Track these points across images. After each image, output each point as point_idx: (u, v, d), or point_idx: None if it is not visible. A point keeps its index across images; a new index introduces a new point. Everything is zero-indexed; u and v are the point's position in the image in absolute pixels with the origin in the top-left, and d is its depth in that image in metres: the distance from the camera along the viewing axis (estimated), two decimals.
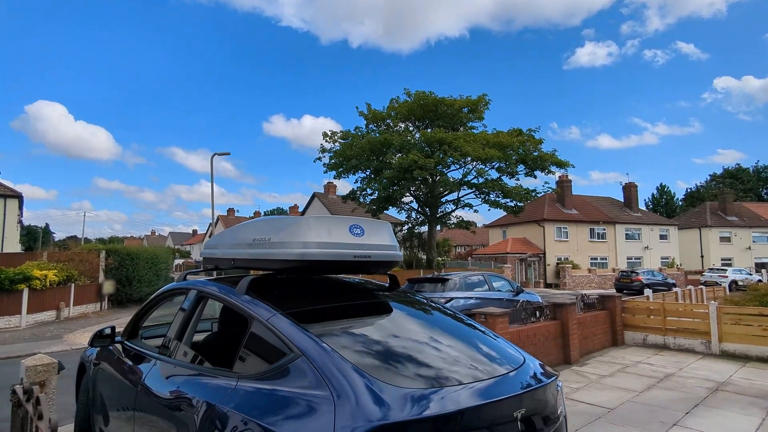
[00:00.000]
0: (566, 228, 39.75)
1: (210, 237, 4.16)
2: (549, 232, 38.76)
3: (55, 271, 16.57)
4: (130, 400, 3.19)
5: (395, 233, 32.90)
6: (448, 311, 3.22)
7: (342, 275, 3.72)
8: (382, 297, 3.19)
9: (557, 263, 37.65)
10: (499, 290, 12.08)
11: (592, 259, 40.40)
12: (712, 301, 10.06)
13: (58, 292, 16.51)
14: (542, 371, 2.46)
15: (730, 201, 48.85)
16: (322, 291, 3.19)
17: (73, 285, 17.22)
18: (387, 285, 3.56)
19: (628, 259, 42.18)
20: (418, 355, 2.37)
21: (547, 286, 36.39)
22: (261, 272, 3.25)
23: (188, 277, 3.68)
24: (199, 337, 3.47)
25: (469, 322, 3.10)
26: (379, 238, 3.07)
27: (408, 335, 2.64)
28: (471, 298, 10.98)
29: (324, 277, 3.57)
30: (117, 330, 3.94)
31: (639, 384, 7.00)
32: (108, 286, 19.27)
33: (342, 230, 2.90)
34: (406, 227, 32.59)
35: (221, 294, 2.95)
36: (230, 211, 72.96)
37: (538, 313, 8.23)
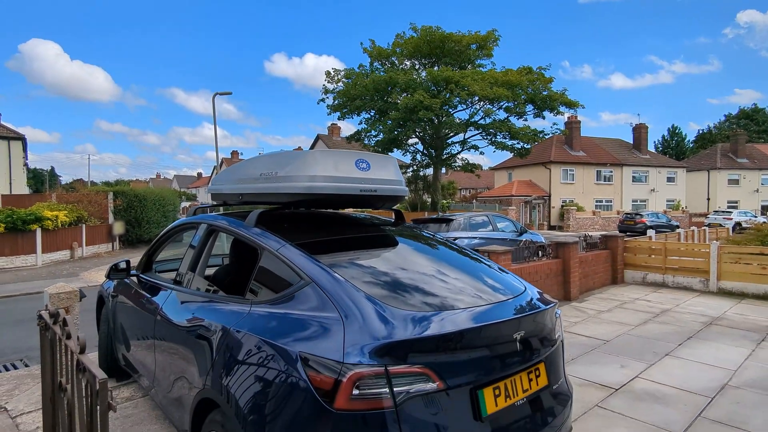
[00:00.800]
0: (572, 170, 39.42)
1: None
2: (555, 175, 38.50)
3: (66, 212, 16.85)
4: (149, 327, 3.37)
5: None
6: (453, 245, 3.30)
7: (348, 210, 3.77)
8: (387, 231, 3.26)
9: (562, 205, 37.71)
10: (503, 231, 12.23)
11: (597, 201, 40.38)
12: (714, 241, 10.18)
13: (70, 232, 16.88)
14: (541, 298, 2.56)
15: (742, 142, 47.87)
16: (329, 225, 3.26)
17: (84, 226, 17.57)
18: (392, 220, 3.63)
19: (633, 201, 42.12)
20: (422, 283, 2.46)
21: (551, 228, 36.68)
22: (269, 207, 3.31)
23: (197, 212, 3.75)
24: (210, 271, 3.59)
25: (473, 255, 3.18)
26: (385, 173, 3.08)
27: (412, 265, 2.73)
28: (475, 238, 11.15)
29: (331, 212, 3.63)
30: (132, 264, 4.09)
31: (635, 319, 7.25)
32: (118, 227, 19.65)
33: (348, 164, 2.92)
34: (410, 170, 32.45)
35: (231, 227, 3.02)
36: (234, 153, 72.61)
37: (540, 251, 8.38)
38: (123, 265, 4.00)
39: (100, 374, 1.72)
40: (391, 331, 1.89)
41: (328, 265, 2.33)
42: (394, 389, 1.81)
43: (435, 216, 13.54)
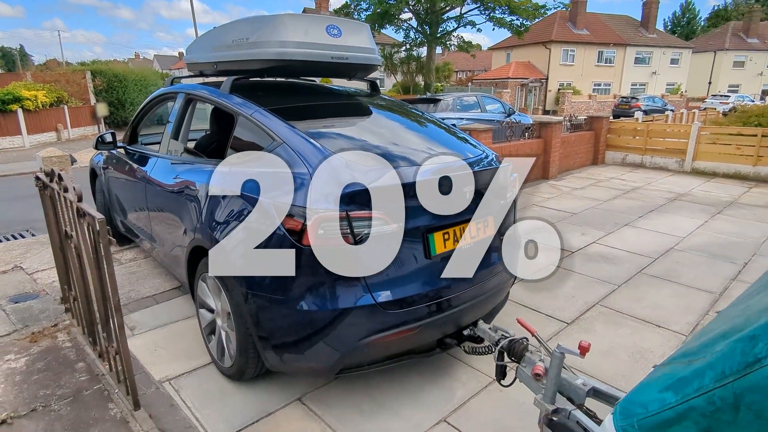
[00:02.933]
0: (573, 51, 37.61)
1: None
2: (555, 55, 36.82)
3: (44, 92, 16.33)
4: (141, 193, 3.63)
5: (392, 55, 31.27)
6: (425, 115, 3.44)
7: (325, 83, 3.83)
8: (359, 100, 3.38)
9: (559, 89, 36.70)
10: (491, 112, 12.19)
11: (595, 84, 39.23)
12: (696, 122, 10.29)
13: (53, 113, 16.54)
14: (497, 160, 2.80)
15: (756, 20, 45.12)
16: (302, 93, 3.36)
17: (66, 107, 17.15)
18: (368, 91, 3.72)
19: (632, 85, 40.96)
20: (386, 144, 2.67)
21: (545, 112, 36.13)
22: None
23: (174, 82, 3.79)
24: (191, 143, 3.75)
25: (443, 124, 3.34)
26: (357, 40, 3.10)
27: (379, 130, 2.91)
28: (463, 119, 11.15)
29: (305, 82, 3.69)
30: (117, 139, 4.23)
31: (606, 195, 7.68)
32: (101, 109, 19.19)
33: (319, 30, 2.93)
34: (403, 49, 30.83)
35: (208, 95, 3.12)
36: None
37: (523, 131, 8.51)
38: (109, 138, 4.14)
39: (99, 215, 1.99)
40: (352, 183, 2.14)
41: (299, 128, 2.50)
42: (355, 230, 2.12)
43: (422, 96, 13.32)
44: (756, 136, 8.64)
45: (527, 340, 2.16)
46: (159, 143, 3.62)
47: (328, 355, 2.24)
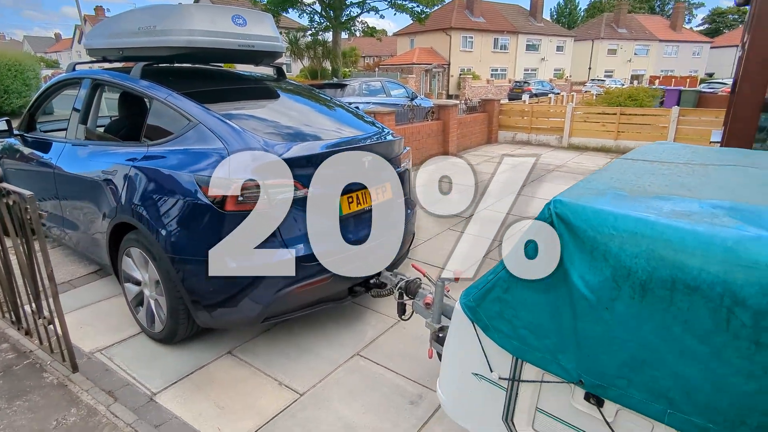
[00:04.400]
0: (472, 38, 39.78)
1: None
2: (455, 42, 38.68)
3: None
4: (49, 179, 3.63)
5: (297, 39, 30.82)
6: (329, 98, 3.83)
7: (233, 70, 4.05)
8: (267, 84, 3.68)
9: (460, 74, 38.70)
10: (396, 97, 12.82)
11: (492, 70, 41.90)
12: (570, 103, 11.78)
13: None
14: (391, 134, 3.29)
15: (624, 12, 50.87)
16: (212, 78, 3.58)
17: None
18: (274, 76, 4.01)
19: (525, 70, 44.34)
20: (293, 122, 3.04)
21: (449, 97, 37.97)
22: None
23: (77, 67, 3.79)
24: (100, 128, 3.79)
25: (345, 106, 3.75)
26: (261, 29, 3.39)
27: (287, 110, 3.27)
28: (369, 103, 11.64)
29: (213, 68, 3.90)
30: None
31: (497, 169, 8.64)
32: None
33: (225, 20, 3.18)
34: (308, 33, 30.56)
35: (117, 80, 3.23)
36: (99, 9, 61.34)
37: (425, 114, 9.20)
38: (3, 126, 4.01)
39: (27, 192, 2.14)
40: (265, 155, 2.49)
41: (213, 110, 2.78)
42: (270, 195, 2.48)
43: (329, 81, 13.60)
44: (616, 114, 10.16)
45: (420, 280, 2.68)
46: (64, 129, 3.63)
47: (254, 306, 2.59)
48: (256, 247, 2.52)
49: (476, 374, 1.66)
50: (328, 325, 3.24)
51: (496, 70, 42.21)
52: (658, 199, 1.34)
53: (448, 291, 2.43)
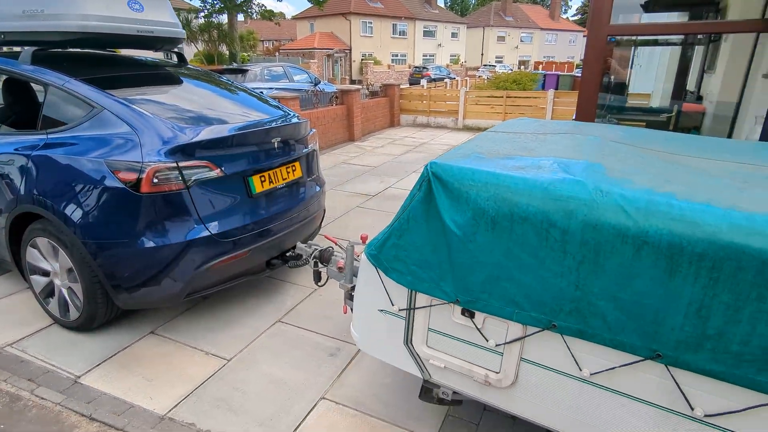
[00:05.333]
0: (371, 23, 40.29)
1: None
2: (355, 27, 38.92)
3: None
4: None
5: (189, 22, 28.96)
6: (233, 83, 3.95)
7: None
8: (169, 70, 3.70)
9: (362, 59, 39.11)
10: (299, 82, 12.83)
11: (393, 55, 42.88)
12: (463, 88, 12.73)
13: None
14: (296, 117, 3.53)
15: (510, 1, 54.65)
16: (111, 64, 3.53)
17: None
18: (175, 62, 4.02)
19: (424, 56, 45.97)
20: (201, 106, 3.16)
21: (352, 82, 38.25)
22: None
23: None
24: None
25: (250, 90, 3.90)
26: (159, 14, 3.42)
27: (192, 96, 3.36)
28: (272, 88, 11.55)
29: (112, 54, 3.82)
30: None
31: (400, 150, 9.18)
32: None
33: (120, 5, 3.17)
34: (201, 14, 28.86)
35: (5, 66, 3.08)
36: None
37: (330, 99, 9.43)
38: None
39: None
40: (176, 138, 2.62)
41: (117, 95, 2.81)
42: (185, 177, 2.62)
43: (229, 66, 13.22)
44: (502, 97, 11.21)
45: (332, 248, 2.99)
46: None
47: (176, 283, 2.73)
48: (174, 226, 2.65)
49: (381, 310, 2.03)
50: (249, 298, 3.45)
51: (397, 55, 43.26)
52: (506, 159, 1.79)
53: (358, 256, 2.78)
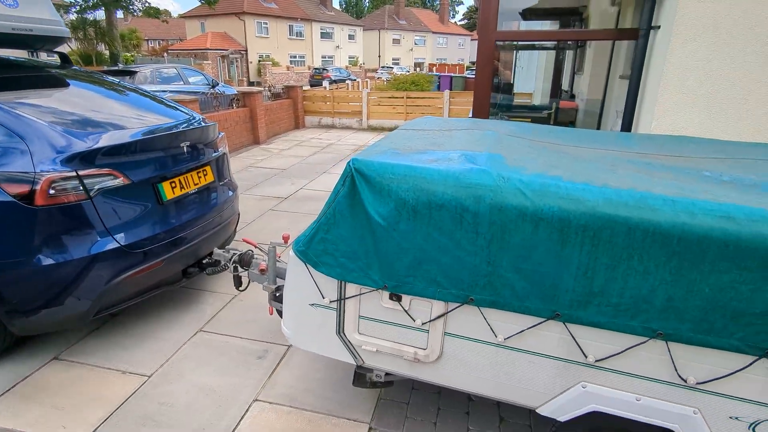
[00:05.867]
0: (267, 23, 39.33)
1: None
2: (250, 27, 37.71)
3: None
4: None
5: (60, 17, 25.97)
6: (130, 86, 3.71)
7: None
8: (54, 72, 3.39)
9: (259, 60, 38.01)
10: (195, 84, 12.19)
11: (291, 57, 42.25)
12: (365, 89, 13.03)
13: None
14: (204, 120, 3.43)
15: (402, 5, 56.62)
16: None
17: None
18: (58, 63, 3.68)
19: (322, 57, 45.91)
20: (97, 112, 2.95)
21: (251, 84, 37.04)
22: None
23: None
24: None
25: (151, 94, 3.70)
26: (37, 11, 3.12)
27: (86, 101, 3.12)
28: (166, 91, 10.85)
29: None
30: None
31: (309, 152, 9.17)
32: None
33: None
34: (73, 9, 26.00)
35: None
36: None
37: (230, 101, 9.11)
38: None
39: None
40: (72, 145, 2.44)
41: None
42: (86, 186, 2.45)
43: (115, 68, 12.19)
44: (403, 98, 11.67)
45: (252, 251, 2.98)
46: None
47: (83, 301, 2.54)
48: (76, 240, 2.47)
49: (312, 304, 2.10)
50: (165, 310, 3.29)
51: (295, 57, 42.70)
52: (420, 153, 1.96)
53: (280, 257, 2.81)
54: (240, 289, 2.97)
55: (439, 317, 1.89)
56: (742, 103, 2.85)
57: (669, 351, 1.64)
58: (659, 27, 3.03)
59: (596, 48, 5.30)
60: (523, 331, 1.80)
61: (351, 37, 49.50)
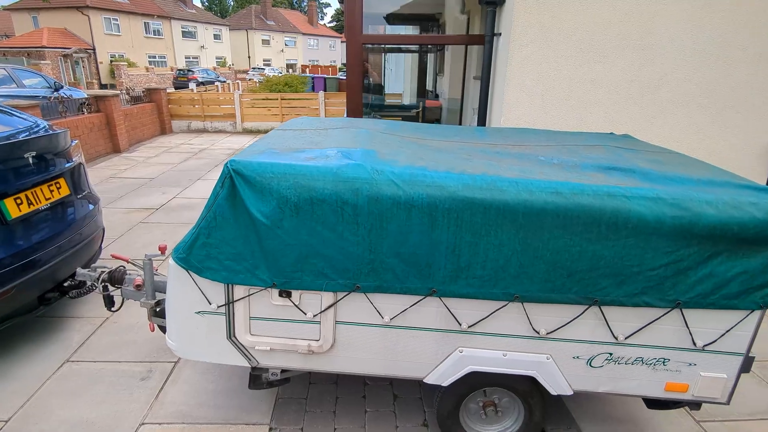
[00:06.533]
0: (117, 20, 35.49)
1: None
2: (96, 23, 33.68)
3: None
4: None
5: None
6: None
7: None
8: None
9: (111, 61, 34.17)
10: (33, 87, 10.59)
11: (150, 57, 38.73)
12: (236, 91, 12.55)
13: None
14: (50, 128, 3.07)
15: (269, 5, 55.29)
16: None
17: None
18: None
19: (186, 58, 42.84)
20: None
21: (103, 86, 33.12)
22: None
23: None
24: None
25: None
26: None
27: None
28: None
29: None
30: None
31: (179, 159, 8.58)
32: None
33: None
34: None
35: None
36: None
37: (79, 106, 8.12)
38: None
39: None
40: None
41: None
42: None
43: None
44: (278, 99, 11.49)
45: (123, 267, 2.75)
46: None
47: None
48: None
49: (199, 312, 2.04)
50: (22, 344, 2.89)
51: (155, 57, 39.21)
52: (298, 152, 2.03)
53: (157, 270, 2.65)
54: (113, 309, 2.73)
55: (329, 308, 1.98)
56: (566, 100, 3.41)
57: (525, 310, 1.93)
58: (500, 34, 3.48)
59: (453, 51, 5.83)
60: (406, 309, 1.97)
61: (217, 36, 46.98)
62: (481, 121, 3.75)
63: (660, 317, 1.89)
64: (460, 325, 1.98)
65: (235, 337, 2.07)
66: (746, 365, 1.96)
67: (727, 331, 1.89)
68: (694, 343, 1.92)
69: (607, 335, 1.95)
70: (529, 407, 2.17)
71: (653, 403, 2.23)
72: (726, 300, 1.83)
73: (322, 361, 2.11)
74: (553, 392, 2.04)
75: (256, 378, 2.24)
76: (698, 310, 1.87)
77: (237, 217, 1.86)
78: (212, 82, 29.42)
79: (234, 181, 1.83)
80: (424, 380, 2.09)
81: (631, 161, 2.17)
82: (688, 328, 1.90)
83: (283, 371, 2.22)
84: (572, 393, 2.04)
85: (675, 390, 2.02)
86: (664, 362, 1.97)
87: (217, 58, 46.44)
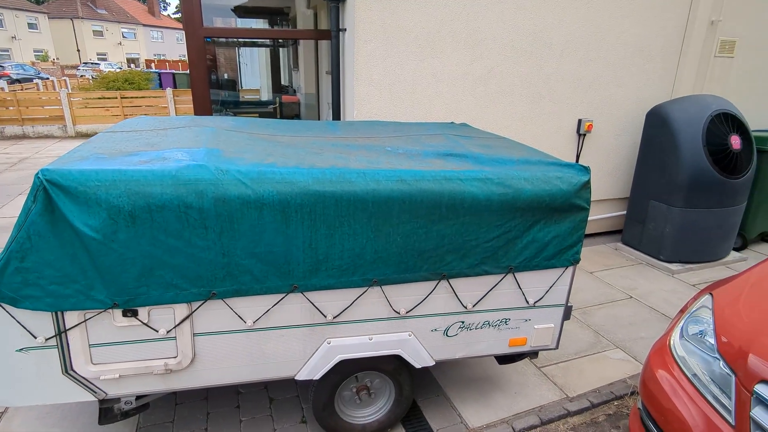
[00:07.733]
0: None
1: None
2: None
3: None
4: None
5: None
6: None
7: None
8: None
9: None
10: None
11: None
12: (63, 89, 10.90)
13: None
14: None
15: None
16: None
17: None
18: None
19: None
20: None
21: None
22: None
23: None
24: None
25: None
26: None
27: None
28: None
29: None
30: None
31: None
32: None
33: None
34: None
35: None
36: None
37: None
38: None
39: None
40: None
41: None
42: None
43: None
44: (117, 98, 10.26)
45: None
46: None
47: None
48: None
49: (21, 349, 1.75)
50: None
51: None
52: (130, 156, 1.84)
53: None
54: None
55: (184, 320, 1.86)
56: (412, 93, 3.64)
57: (384, 293, 2.04)
58: (345, 29, 3.56)
59: (305, 46, 5.81)
60: (269, 310, 1.93)
61: (32, 26, 40.06)
62: (336, 115, 3.81)
63: (498, 283, 2.14)
64: (326, 317, 2.01)
65: (73, 371, 1.82)
66: (567, 314, 2.33)
67: (550, 287, 2.22)
68: (527, 301, 2.22)
69: (458, 306, 2.15)
70: (398, 384, 2.29)
71: (503, 360, 2.53)
72: (546, 261, 2.15)
73: (184, 378, 1.97)
74: (417, 365, 2.18)
75: (107, 411, 2.01)
76: (527, 272, 2.16)
77: (58, 235, 1.63)
78: (31, 80, 25.04)
79: (49, 194, 1.59)
80: (296, 377, 2.08)
81: (466, 147, 2.41)
82: (521, 289, 2.19)
83: (138, 397, 2.02)
84: (434, 363, 2.22)
85: (517, 344, 2.31)
86: (506, 322, 2.25)
87: (36, 52, 39.67)
